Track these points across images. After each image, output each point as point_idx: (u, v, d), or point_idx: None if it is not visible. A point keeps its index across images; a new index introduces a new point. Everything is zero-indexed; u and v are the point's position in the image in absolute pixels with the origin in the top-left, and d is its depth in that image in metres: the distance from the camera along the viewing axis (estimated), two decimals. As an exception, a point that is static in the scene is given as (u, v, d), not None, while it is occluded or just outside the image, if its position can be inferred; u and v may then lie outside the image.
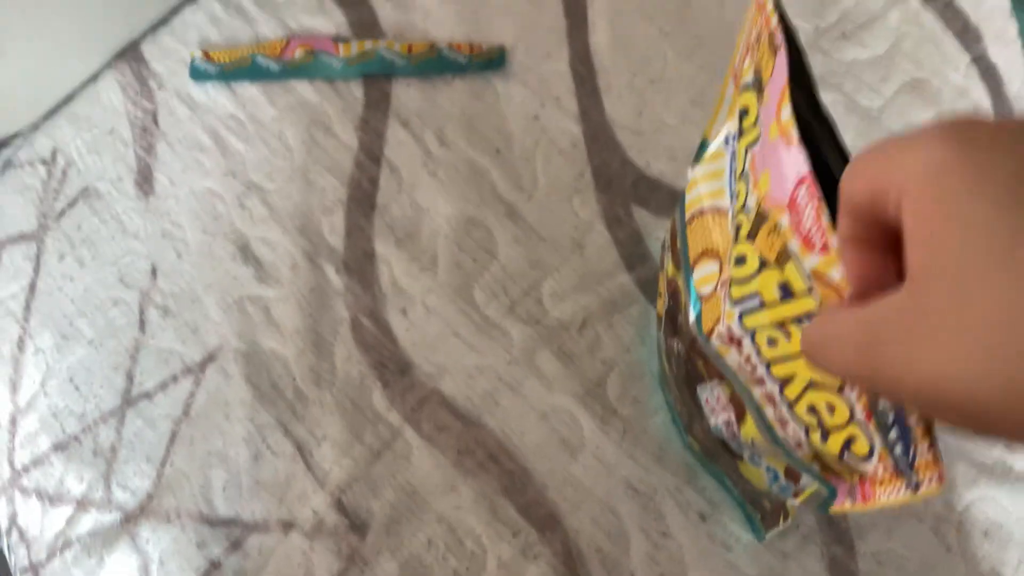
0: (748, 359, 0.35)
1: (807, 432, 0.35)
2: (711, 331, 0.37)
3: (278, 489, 0.56)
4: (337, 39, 0.65)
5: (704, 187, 0.42)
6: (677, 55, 0.64)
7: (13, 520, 0.59)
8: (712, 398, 0.43)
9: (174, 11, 0.69)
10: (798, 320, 0.31)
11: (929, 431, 0.29)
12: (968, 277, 0.21)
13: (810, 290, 0.30)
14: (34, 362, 0.61)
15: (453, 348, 0.59)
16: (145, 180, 0.64)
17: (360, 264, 0.61)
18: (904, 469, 0.30)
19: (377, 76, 0.65)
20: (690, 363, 0.44)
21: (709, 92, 0.63)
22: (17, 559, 0.58)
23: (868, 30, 0.64)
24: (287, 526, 0.55)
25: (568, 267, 0.60)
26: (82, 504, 0.58)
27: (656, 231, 0.61)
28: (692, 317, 0.40)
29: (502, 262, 0.60)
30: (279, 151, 0.63)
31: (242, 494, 0.56)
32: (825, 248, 0.29)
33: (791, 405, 0.34)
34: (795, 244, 0.30)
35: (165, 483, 0.57)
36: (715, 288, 0.38)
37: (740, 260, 0.34)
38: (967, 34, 0.64)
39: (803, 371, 0.33)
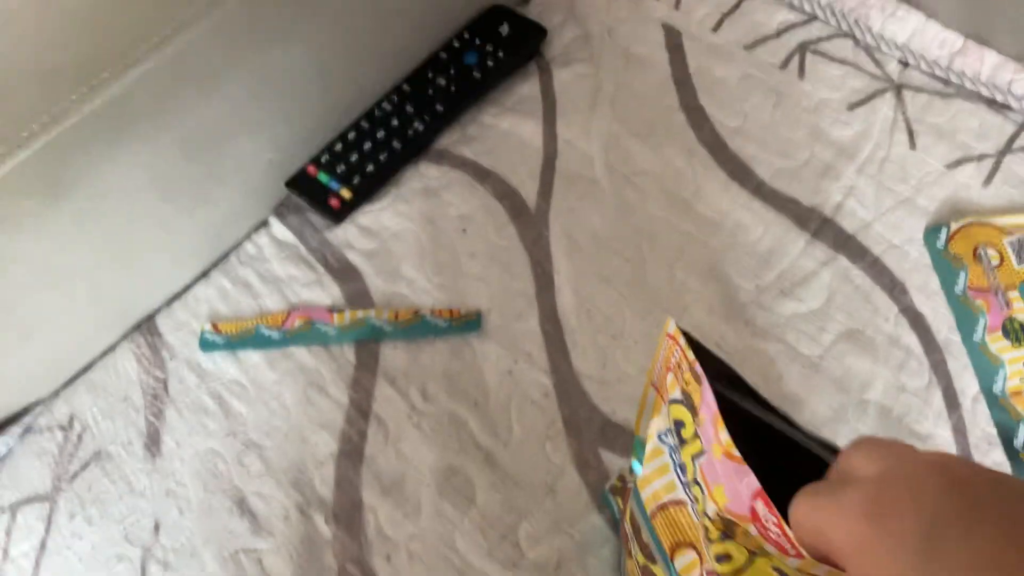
0: None
1: None
2: None
3: None
4: (332, 309, 0.74)
5: (658, 483, 0.44)
6: (635, 315, 0.72)
7: None
8: None
9: (187, 287, 0.78)
10: None
11: None
12: None
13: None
14: (38, 620, 0.64)
15: (435, 593, 0.62)
16: (153, 443, 0.70)
17: (348, 513, 0.65)
18: None
19: (368, 340, 0.72)
20: None
21: (665, 345, 0.70)
22: None
23: (804, 287, 0.72)
24: None
25: (542, 510, 0.64)
26: None
27: (624, 473, 0.65)
28: None
29: (480, 507, 0.65)
30: (277, 411, 0.70)
31: None
32: (800, 554, 0.31)
33: None
34: (770, 548, 0.33)
35: None
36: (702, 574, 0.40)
37: (724, 557, 0.36)
38: (894, 288, 0.71)
39: None
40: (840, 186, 0.76)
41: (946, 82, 0.80)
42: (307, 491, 0.66)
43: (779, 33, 0.86)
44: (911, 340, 0.69)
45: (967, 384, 0.66)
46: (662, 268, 0.74)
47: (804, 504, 0.30)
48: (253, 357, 0.72)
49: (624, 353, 0.70)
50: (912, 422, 0.65)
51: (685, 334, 0.40)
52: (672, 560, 0.43)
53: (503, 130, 0.83)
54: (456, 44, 0.86)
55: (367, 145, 0.81)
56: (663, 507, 0.43)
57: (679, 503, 0.42)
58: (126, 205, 0.69)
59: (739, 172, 0.78)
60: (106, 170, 0.65)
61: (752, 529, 0.34)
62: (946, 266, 0.71)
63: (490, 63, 0.84)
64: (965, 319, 0.69)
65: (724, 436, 0.35)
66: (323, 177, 0.80)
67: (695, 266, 0.73)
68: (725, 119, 0.81)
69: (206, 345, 0.73)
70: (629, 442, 0.65)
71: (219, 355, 0.73)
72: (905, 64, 0.82)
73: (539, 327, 0.72)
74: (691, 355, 0.39)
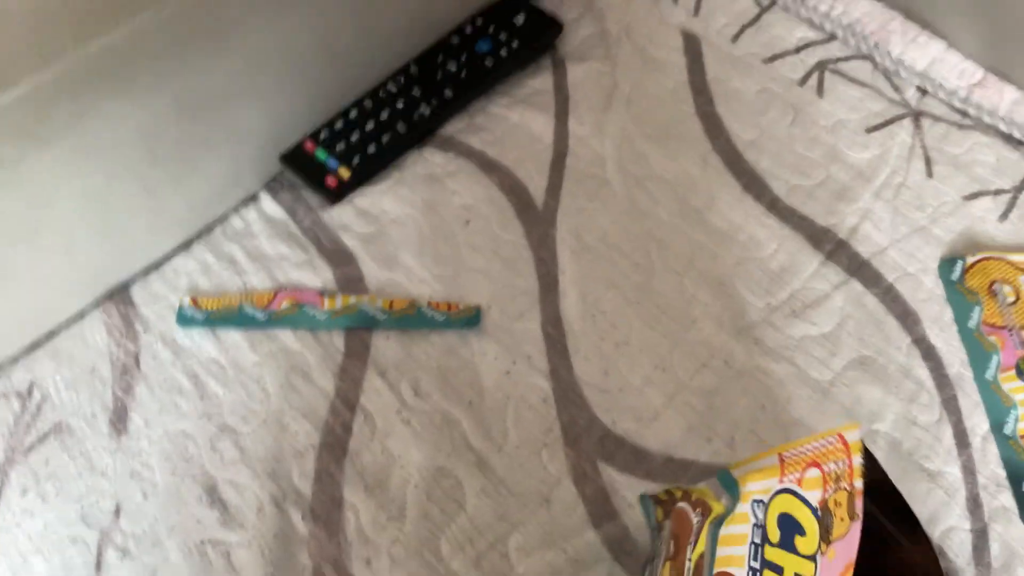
0: None
1: None
2: None
3: None
4: (323, 293, 0.69)
5: (730, 550, 0.42)
6: (641, 323, 0.68)
7: None
8: None
9: (167, 257, 0.73)
10: None
11: None
12: None
13: None
14: (-23, 603, 0.59)
15: (416, 602, 0.58)
16: (119, 419, 0.65)
17: (327, 511, 0.61)
18: None
19: (359, 328, 0.68)
20: None
21: (670, 359, 0.67)
22: None
23: (816, 309, 0.69)
24: None
25: (535, 522, 0.61)
26: None
27: (622, 489, 0.62)
28: None
29: (469, 514, 0.61)
30: (256, 395, 0.65)
31: None
32: None
33: None
34: None
35: None
36: None
37: None
38: (907, 317, 0.69)
39: None
40: (856, 208, 0.73)
41: (964, 114, 0.79)
42: (284, 483, 0.62)
43: (798, 49, 0.84)
44: (923, 373, 0.67)
45: (977, 422, 0.64)
46: (671, 276, 0.71)
47: None
48: (234, 336, 0.68)
49: (628, 362, 0.67)
50: (922, 458, 0.62)
51: (867, 453, 0.38)
52: None
53: (513, 122, 0.79)
54: (469, 30, 0.83)
55: (370, 125, 0.77)
56: None
57: None
58: (110, 162, 0.64)
59: (754, 185, 0.75)
60: (94, 122, 0.60)
61: None
62: (960, 299, 0.69)
63: (503, 53, 0.80)
64: (978, 355, 0.67)
65: None
66: (321, 154, 0.76)
67: (705, 277, 0.70)
68: (741, 131, 0.78)
69: (184, 320, 0.68)
70: (629, 456, 0.62)
71: (197, 332, 0.68)
72: (924, 92, 0.81)
73: (540, 329, 0.69)
74: (859, 484, 0.37)
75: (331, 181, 0.74)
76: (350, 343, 0.68)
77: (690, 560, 0.45)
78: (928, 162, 0.76)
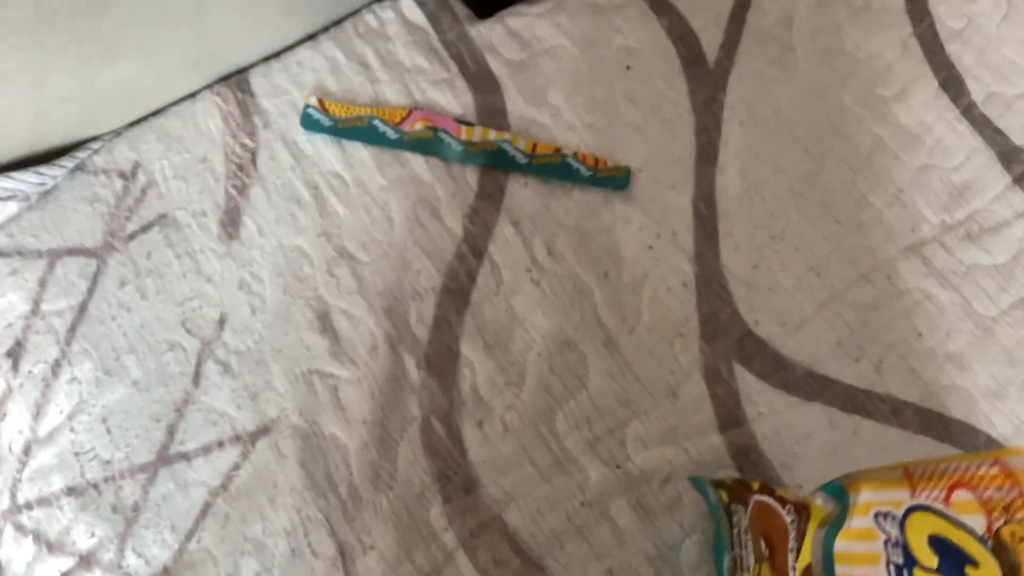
0: None
1: None
2: None
3: (311, 593, 0.51)
4: (461, 121, 0.62)
5: (859, 570, 0.38)
6: (803, 217, 0.62)
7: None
8: None
9: (289, 48, 0.65)
10: None
11: None
12: None
13: None
14: (66, 391, 0.56)
15: (525, 475, 0.55)
16: (231, 222, 0.59)
17: (442, 362, 0.57)
18: None
19: (495, 168, 0.61)
20: None
21: (828, 263, 0.61)
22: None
23: (993, 236, 0.63)
24: (317, 639, 0.50)
25: (658, 413, 0.57)
26: (86, 561, 0.52)
27: (755, 395, 0.57)
28: None
29: (591, 393, 0.57)
30: (380, 222, 0.60)
31: (271, 592, 0.51)
32: None
33: None
34: None
35: (187, 560, 0.52)
36: None
37: None
38: (1091, 261, 0.63)
39: None
40: (1060, 132, 0.65)
41: None
42: (400, 324, 0.57)
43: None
44: (1099, 327, 0.61)
45: None
46: (844, 171, 0.63)
47: None
48: (360, 152, 0.61)
49: (781, 259, 0.61)
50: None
51: None
52: None
53: (694, -42, 0.69)
54: None
55: (534, -69, 0.67)
56: None
57: None
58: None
59: (952, 83, 0.66)
60: None
61: None
62: None
63: None
64: None
65: None
66: (476, -45, 0.66)
67: (881, 179, 0.63)
68: (947, 17, 0.68)
69: (309, 123, 0.61)
70: (769, 362, 0.57)
71: (321, 139, 0.61)
72: None
73: (691, 204, 0.62)
74: None
75: (484, -9, 0.65)
76: (484, 183, 0.61)
77: (794, 570, 0.41)
78: None
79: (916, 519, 0.38)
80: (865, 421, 0.57)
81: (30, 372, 0.56)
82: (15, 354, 0.56)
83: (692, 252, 0.61)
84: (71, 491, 0.53)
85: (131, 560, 0.52)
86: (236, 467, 0.53)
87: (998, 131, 0.65)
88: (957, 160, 0.64)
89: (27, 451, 0.55)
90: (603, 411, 0.56)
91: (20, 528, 0.53)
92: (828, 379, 0.58)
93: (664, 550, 0.54)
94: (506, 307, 0.58)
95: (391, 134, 0.61)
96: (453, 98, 0.63)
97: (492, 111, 0.63)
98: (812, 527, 0.42)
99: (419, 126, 0.61)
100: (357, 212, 0.60)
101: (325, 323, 0.57)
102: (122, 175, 0.60)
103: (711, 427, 0.57)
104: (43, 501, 0.53)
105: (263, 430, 0.54)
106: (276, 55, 0.65)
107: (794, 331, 0.59)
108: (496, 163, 0.61)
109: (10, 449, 0.54)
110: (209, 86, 0.63)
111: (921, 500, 0.38)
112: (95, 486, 0.53)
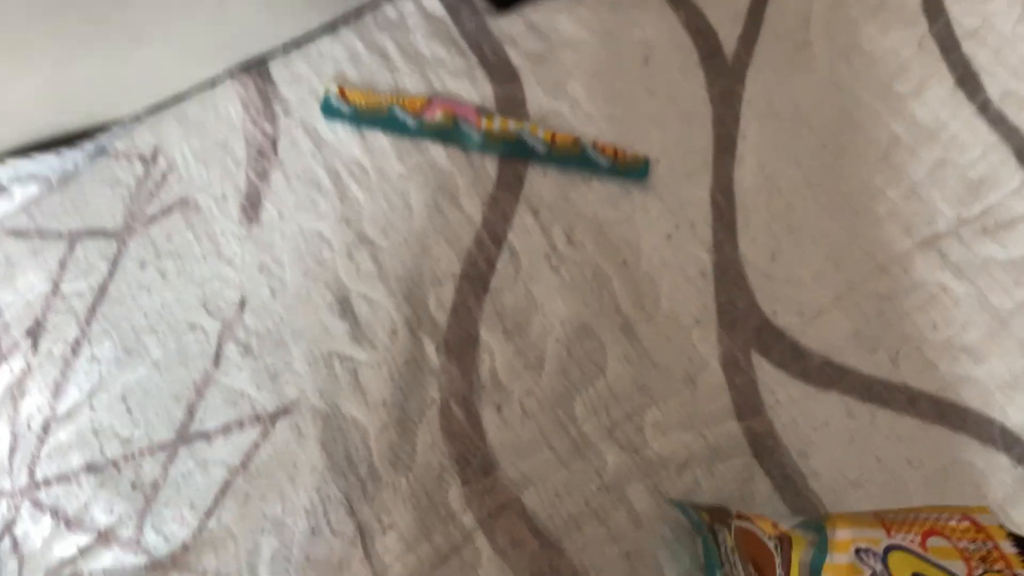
0: None
1: None
2: None
3: (330, 572, 0.51)
4: (481, 111, 0.63)
5: None
6: (820, 209, 0.62)
7: (8, 527, 0.53)
8: None
9: (309, 37, 0.65)
10: None
11: None
12: None
13: None
14: (86, 370, 0.56)
15: (543, 459, 0.55)
16: (252, 206, 0.60)
17: (462, 346, 0.57)
18: None
19: (514, 158, 0.62)
20: None
21: (845, 255, 0.61)
22: (4, 571, 0.52)
23: (1009, 231, 0.63)
24: (336, 618, 0.50)
25: (676, 400, 0.57)
26: (104, 537, 0.52)
27: (772, 384, 0.58)
28: None
29: (609, 379, 0.57)
30: (399, 209, 0.60)
31: (290, 570, 0.51)
32: None
33: None
34: None
35: (206, 537, 0.52)
36: None
37: None
38: (1103, 257, 0.63)
39: None
40: (1076, 129, 0.65)
41: None
42: (420, 309, 0.58)
43: (1040, -69, 0.73)
44: (1112, 321, 0.61)
45: None
46: (861, 165, 0.64)
47: None
48: (381, 140, 0.62)
49: (799, 250, 0.61)
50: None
51: (1016, 540, 0.32)
52: None
53: (712, -46, 0.70)
54: None
55: (554, -74, 0.68)
56: None
57: None
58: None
59: (968, 81, 0.67)
60: None
61: None
62: None
63: None
64: None
65: None
66: (496, -51, 0.67)
67: (898, 173, 0.63)
68: (962, 16, 0.69)
69: (329, 110, 0.62)
70: (787, 352, 0.57)
71: (341, 127, 0.62)
72: None
73: (709, 195, 0.62)
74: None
75: (503, -17, 0.66)
76: (503, 172, 0.62)
77: None
78: None
79: (897, 557, 0.38)
80: (882, 410, 0.57)
81: (50, 351, 0.56)
82: (35, 333, 0.56)
83: (710, 242, 0.61)
84: (90, 468, 0.53)
85: (150, 537, 0.52)
86: (256, 446, 0.54)
87: (1014, 128, 0.66)
88: (973, 156, 0.65)
89: (46, 428, 0.55)
90: (621, 397, 0.57)
91: (38, 505, 0.53)
92: (845, 369, 0.58)
93: (680, 534, 0.54)
94: (525, 293, 0.59)
95: (411, 122, 0.62)
96: (472, 88, 0.64)
97: (511, 101, 0.64)
98: (796, 556, 0.41)
99: (439, 115, 0.62)
100: (377, 199, 0.60)
101: (345, 307, 0.57)
102: (143, 159, 0.61)
103: (729, 414, 0.57)
104: (62, 478, 0.54)
105: (283, 410, 0.54)
106: (296, 45, 0.65)
107: (812, 320, 0.59)
108: (515, 152, 0.62)
109: (29, 426, 0.54)
110: (230, 73, 0.64)
111: (897, 541, 0.38)
112: (114, 463, 0.53)
